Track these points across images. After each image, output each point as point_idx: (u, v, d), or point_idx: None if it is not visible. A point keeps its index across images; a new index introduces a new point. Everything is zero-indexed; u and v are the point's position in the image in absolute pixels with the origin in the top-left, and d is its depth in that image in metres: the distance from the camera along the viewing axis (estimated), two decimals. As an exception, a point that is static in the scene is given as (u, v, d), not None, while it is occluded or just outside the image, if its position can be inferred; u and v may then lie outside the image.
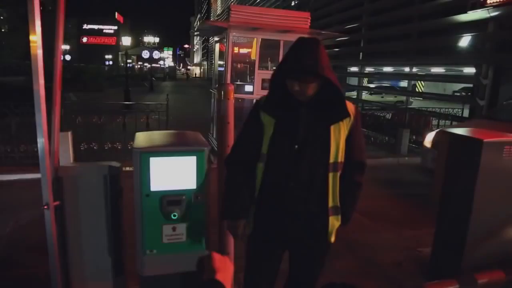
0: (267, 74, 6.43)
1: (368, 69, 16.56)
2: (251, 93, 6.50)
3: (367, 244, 3.58)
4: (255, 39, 6.54)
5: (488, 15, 7.79)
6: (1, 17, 30.04)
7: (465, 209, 2.72)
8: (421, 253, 3.39)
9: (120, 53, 58.77)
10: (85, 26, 69.42)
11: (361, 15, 13.74)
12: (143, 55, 28.36)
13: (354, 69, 17.16)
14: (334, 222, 1.63)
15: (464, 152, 2.78)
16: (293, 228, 1.63)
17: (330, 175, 1.57)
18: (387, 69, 18.38)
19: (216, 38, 7.71)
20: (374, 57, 13.93)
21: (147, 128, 6.11)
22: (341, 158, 1.59)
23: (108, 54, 67.79)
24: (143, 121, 6.31)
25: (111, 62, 63.29)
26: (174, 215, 1.78)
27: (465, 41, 8.83)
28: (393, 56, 12.67)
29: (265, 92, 6.18)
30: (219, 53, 7.63)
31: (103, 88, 23.91)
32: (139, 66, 66.40)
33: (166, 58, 74.12)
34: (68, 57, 43.75)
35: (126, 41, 17.63)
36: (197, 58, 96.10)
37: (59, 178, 1.83)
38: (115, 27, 71.64)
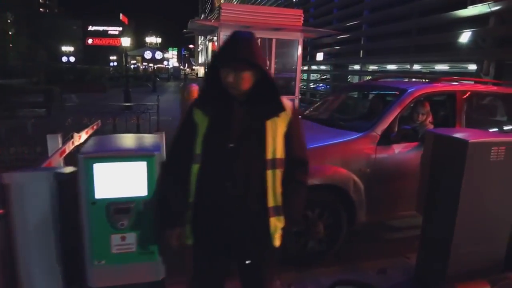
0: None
1: (372, 67, 16.35)
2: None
3: (352, 247, 3.44)
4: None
5: (488, 10, 7.57)
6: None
7: (450, 214, 2.58)
8: (409, 259, 3.24)
9: (128, 53, 59.01)
10: (90, 28, 69.92)
11: (362, 12, 13.55)
12: (145, 56, 28.46)
13: (357, 67, 16.97)
14: (276, 224, 1.54)
15: (448, 153, 2.63)
16: (234, 232, 1.53)
17: (269, 172, 1.51)
18: (391, 67, 18.19)
19: (209, 37, 7.63)
20: (374, 54, 13.74)
21: (137, 129, 6.03)
22: (280, 154, 1.52)
23: (113, 55, 68.18)
24: (134, 122, 6.24)
25: (115, 63, 63.60)
26: (122, 224, 1.67)
27: (465, 37, 8.61)
28: (393, 53, 12.47)
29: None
30: (212, 52, 7.54)
31: (106, 88, 24.01)
32: (143, 67, 66.63)
33: (171, 58, 74.21)
34: (72, 59, 44.04)
35: (126, 42, 17.61)
36: (201, 58, 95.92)
37: (4, 185, 1.74)
38: (120, 28, 72.01)
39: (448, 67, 17.00)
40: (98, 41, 70.00)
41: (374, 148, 3.29)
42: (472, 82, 4.58)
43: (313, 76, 21.91)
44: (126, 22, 76.85)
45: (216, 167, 1.51)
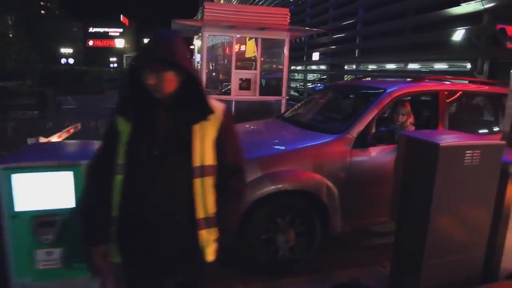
0: (245, 73, 6.19)
1: (371, 67, 16.15)
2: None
3: (328, 254, 3.30)
4: (250, 38, 6.36)
5: (482, 7, 7.40)
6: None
7: (421, 222, 2.43)
8: (384, 268, 3.09)
9: (125, 55, 59.09)
10: (90, 29, 69.91)
11: (357, 11, 13.42)
12: (143, 57, 28.30)
13: (354, 66, 16.79)
14: (208, 237, 1.42)
15: (420, 157, 2.48)
16: (162, 249, 1.41)
17: (197, 181, 1.38)
18: (390, 66, 18.01)
19: (196, 37, 7.51)
20: (369, 54, 13.58)
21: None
22: (209, 161, 1.41)
23: (113, 57, 68.18)
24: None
25: (115, 65, 63.65)
26: (47, 238, 1.55)
27: (459, 35, 8.44)
28: (388, 52, 12.31)
29: (243, 92, 5.80)
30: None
31: (104, 90, 23.97)
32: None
33: (171, 59, 73.94)
34: (71, 61, 44.00)
35: (120, 43, 17.55)
36: (197, 57, 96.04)
37: None
38: (121, 30, 71.98)
39: (447, 66, 16.81)
40: (98, 43, 69.96)
41: (349, 151, 3.15)
42: (467, 82, 4.41)
43: (313, 76, 21.76)
44: (127, 24, 76.89)
45: (139, 177, 1.38)
